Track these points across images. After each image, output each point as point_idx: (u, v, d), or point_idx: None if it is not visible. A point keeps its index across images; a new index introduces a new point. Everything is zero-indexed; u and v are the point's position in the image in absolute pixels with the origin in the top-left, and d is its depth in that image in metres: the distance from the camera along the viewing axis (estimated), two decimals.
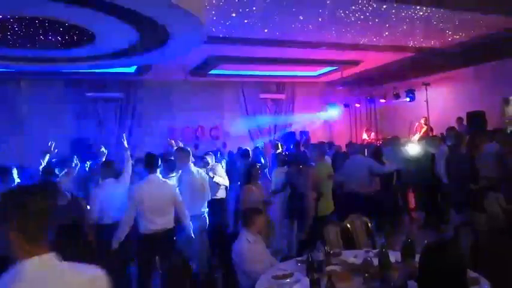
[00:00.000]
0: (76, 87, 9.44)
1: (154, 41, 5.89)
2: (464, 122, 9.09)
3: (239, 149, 7.16)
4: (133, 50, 6.25)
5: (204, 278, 4.95)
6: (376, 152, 6.27)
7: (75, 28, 5.12)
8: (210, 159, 5.75)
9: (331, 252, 3.39)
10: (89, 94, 9.41)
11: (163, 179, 4.31)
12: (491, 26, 7.03)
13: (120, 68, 8.34)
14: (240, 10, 5.70)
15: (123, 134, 5.02)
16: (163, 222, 4.07)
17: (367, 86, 10.83)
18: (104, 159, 5.38)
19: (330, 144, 8.27)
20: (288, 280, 2.99)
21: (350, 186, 5.56)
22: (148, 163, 4.16)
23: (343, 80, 10.59)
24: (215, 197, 5.53)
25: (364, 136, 11.35)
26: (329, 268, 3.08)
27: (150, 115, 10.09)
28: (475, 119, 8.73)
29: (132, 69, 8.59)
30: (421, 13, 6.28)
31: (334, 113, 11.48)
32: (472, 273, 2.80)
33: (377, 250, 3.09)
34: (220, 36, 6.72)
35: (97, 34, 5.43)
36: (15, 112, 8.92)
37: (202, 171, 5.16)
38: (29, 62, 6.76)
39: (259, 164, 5.43)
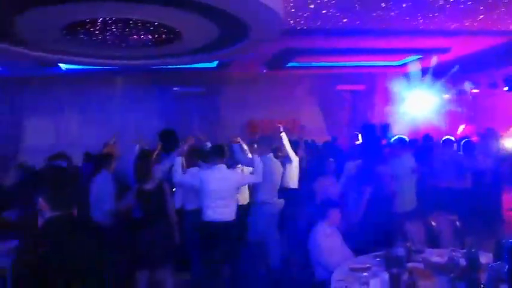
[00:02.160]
0: (162, 83, 10.17)
1: (234, 36, 6.10)
2: None
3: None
4: (214, 45, 6.53)
5: (279, 270, 5.05)
6: (468, 147, 5.78)
7: (163, 27, 5.51)
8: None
9: (413, 248, 3.24)
10: (175, 89, 10.08)
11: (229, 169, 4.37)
12: None
13: (203, 64, 8.76)
14: (318, 1, 5.62)
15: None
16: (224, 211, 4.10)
17: (457, 75, 9.97)
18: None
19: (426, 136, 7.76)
20: (366, 273, 2.93)
21: (437, 181, 5.23)
22: (216, 153, 4.26)
23: (430, 68, 9.88)
24: (289, 187, 5.54)
25: (459, 129, 10.47)
26: (410, 265, 2.96)
27: (230, 108, 10.49)
28: None
29: (213, 64, 8.98)
30: None
31: (419, 104, 10.77)
32: None
33: (464, 250, 2.88)
34: (298, 28, 6.70)
35: (182, 32, 5.78)
36: (108, 106, 9.88)
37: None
38: (121, 60, 7.43)
39: (332, 159, 5.39)
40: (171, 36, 5.92)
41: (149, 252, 3.98)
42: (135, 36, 5.80)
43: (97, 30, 5.46)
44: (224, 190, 4.10)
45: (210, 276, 4.17)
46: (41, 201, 1.73)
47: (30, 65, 8.02)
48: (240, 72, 10.08)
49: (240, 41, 6.31)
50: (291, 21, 6.34)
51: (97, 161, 5.22)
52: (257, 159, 4.38)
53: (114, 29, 5.47)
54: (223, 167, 4.22)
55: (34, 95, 9.65)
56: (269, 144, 5.21)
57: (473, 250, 2.66)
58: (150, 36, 5.85)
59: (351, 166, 5.08)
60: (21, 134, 9.62)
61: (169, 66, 8.65)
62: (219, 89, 10.51)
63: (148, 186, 4.16)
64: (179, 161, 4.22)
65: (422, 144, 7.16)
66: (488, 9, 6.28)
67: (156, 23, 5.35)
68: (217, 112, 10.51)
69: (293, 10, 5.90)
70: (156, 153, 5.53)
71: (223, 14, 4.92)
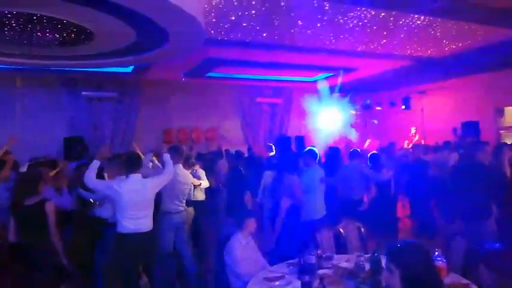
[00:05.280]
0: (71, 86, 9.40)
1: (152, 41, 5.89)
2: (459, 132, 9.17)
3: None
4: (130, 50, 6.25)
5: (195, 280, 4.96)
6: (376, 159, 6.28)
7: (73, 26, 5.11)
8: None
9: (323, 255, 3.39)
10: (84, 93, 9.36)
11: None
12: (486, 36, 7.11)
13: (117, 68, 8.32)
14: (239, 13, 5.72)
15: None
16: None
17: (363, 93, 10.92)
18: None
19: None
20: (279, 282, 2.98)
21: (344, 191, 5.58)
22: (132, 163, 3.99)
23: (340, 86, 10.65)
24: (196, 199, 5.61)
25: (366, 143, 11.35)
26: (321, 271, 3.08)
27: (145, 115, 10.07)
28: (469, 129, 8.80)
29: (129, 69, 8.57)
30: (419, 22, 6.33)
31: (330, 118, 11.51)
32: (463, 280, 2.82)
33: (369, 255, 3.09)
34: (219, 38, 6.73)
35: (95, 33, 5.42)
36: (8, 109, 8.85)
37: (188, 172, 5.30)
38: (24, 59, 6.73)
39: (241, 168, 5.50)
40: (82, 36, 5.51)
41: (32, 275, 3.64)
42: (39, 34, 5.28)
43: None
44: (141, 201, 3.90)
45: None
46: None
47: None
48: (157, 79, 9.79)
49: (159, 47, 6.12)
50: (212, 31, 6.35)
51: None
52: (167, 156, 4.27)
53: (15, 24, 4.93)
54: (139, 176, 3.97)
55: None
56: (181, 155, 5.07)
57: (376, 254, 2.86)
58: (57, 35, 5.38)
59: (268, 176, 5.20)
60: None
61: (80, 69, 8.05)
62: (134, 95, 10.04)
63: (29, 201, 3.74)
64: (95, 165, 3.89)
65: (328, 156, 7.57)
66: (391, 35, 6.98)
67: (64, 21, 4.93)
68: (131, 119, 10.01)
69: (214, 20, 5.92)
70: (61, 165, 5.09)
71: (141, 19, 4.72)
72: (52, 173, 4.61)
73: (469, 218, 4.18)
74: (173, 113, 10.37)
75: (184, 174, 5.07)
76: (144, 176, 4.01)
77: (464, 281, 2.80)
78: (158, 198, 4.39)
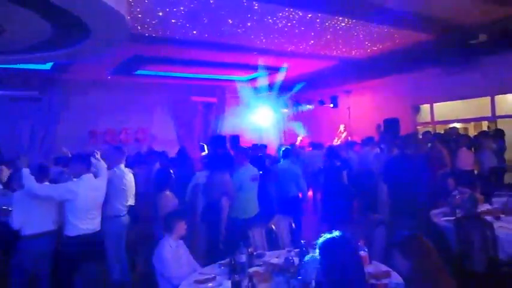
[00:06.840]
0: None
1: (72, 36, 5.48)
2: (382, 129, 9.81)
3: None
4: (47, 45, 5.75)
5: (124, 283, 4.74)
6: (332, 152, 6.39)
7: None
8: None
9: (255, 253, 3.40)
10: None
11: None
12: (404, 39, 7.68)
13: (33, 65, 7.65)
14: (167, 9, 5.55)
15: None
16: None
17: (294, 91, 11.23)
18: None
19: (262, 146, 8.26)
20: (210, 284, 2.93)
21: (278, 189, 5.67)
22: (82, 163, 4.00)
23: (272, 85, 10.85)
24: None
25: (297, 140, 11.66)
26: (252, 269, 3.09)
27: (69, 116, 9.36)
28: (390, 126, 9.45)
29: (47, 66, 7.92)
30: (343, 24, 6.65)
31: (264, 117, 11.68)
32: (383, 267, 2.99)
33: (298, 249, 3.16)
34: (146, 35, 6.48)
35: (2, 25, 4.90)
36: None
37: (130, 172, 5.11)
38: None
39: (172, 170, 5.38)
40: None
41: None
42: None
43: None
44: (97, 200, 3.98)
45: None
46: None
47: None
48: (81, 77, 9.17)
49: (79, 42, 5.71)
50: (138, 27, 6.10)
51: None
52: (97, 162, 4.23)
53: None
54: (91, 176, 3.98)
55: None
56: (122, 154, 4.98)
57: (304, 249, 2.92)
58: None
59: (199, 176, 5.12)
60: None
61: None
62: (55, 94, 9.29)
63: None
64: (27, 172, 3.75)
65: (254, 153, 7.61)
66: (317, 36, 7.24)
67: None
68: (53, 120, 9.26)
69: (140, 15, 5.68)
70: None
71: (55, 10, 4.35)
72: None
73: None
74: (100, 113, 9.78)
75: (128, 173, 5.03)
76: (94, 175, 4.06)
77: (385, 268, 2.97)
78: None
